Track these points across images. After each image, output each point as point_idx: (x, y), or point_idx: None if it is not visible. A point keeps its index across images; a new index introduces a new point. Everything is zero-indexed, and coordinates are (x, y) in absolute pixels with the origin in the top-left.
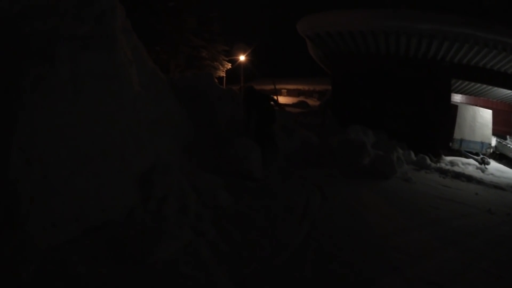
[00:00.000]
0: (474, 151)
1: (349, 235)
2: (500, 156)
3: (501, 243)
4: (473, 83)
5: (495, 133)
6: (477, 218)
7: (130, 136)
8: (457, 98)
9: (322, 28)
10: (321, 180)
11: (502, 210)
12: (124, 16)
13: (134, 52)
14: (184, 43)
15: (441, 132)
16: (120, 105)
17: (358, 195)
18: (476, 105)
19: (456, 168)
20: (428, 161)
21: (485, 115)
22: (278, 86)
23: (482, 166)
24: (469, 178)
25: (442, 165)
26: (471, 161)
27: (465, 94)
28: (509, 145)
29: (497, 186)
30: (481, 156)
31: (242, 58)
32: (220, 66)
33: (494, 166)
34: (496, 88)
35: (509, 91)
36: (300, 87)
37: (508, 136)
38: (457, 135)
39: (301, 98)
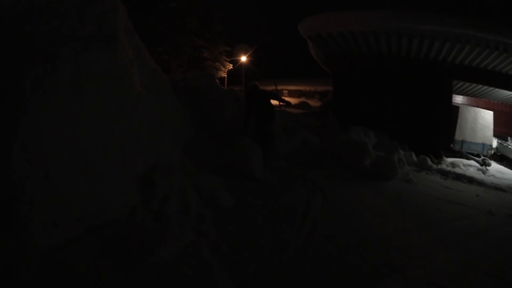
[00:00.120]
0: (475, 153)
1: (350, 235)
2: (501, 157)
3: (502, 245)
4: (474, 85)
5: (496, 134)
6: (478, 220)
7: (131, 136)
8: (458, 99)
9: (323, 29)
10: (322, 181)
11: (503, 211)
12: (126, 17)
13: (136, 52)
14: (186, 44)
15: (442, 133)
16: (121, 105)
17: (359, 196)
18: (478, 107)
19: (457, 170)
20: (429, 162)
21: (486, 116)
22: (279, 87)
23: (483, 167)
24: (470, 180)
25: (443, 166)
26: (472, 162)
27: (467, 95)
28: (510, 147)
29: (498, 188)
30: (482, 157)
31: (243, 58)
32: (222, 67)
33: (495, 167)
34: (497, 89)
35: (510, 93)
36: (301, 88)
37: (509, 138)
38: (458, 136)
39: (302, 99)
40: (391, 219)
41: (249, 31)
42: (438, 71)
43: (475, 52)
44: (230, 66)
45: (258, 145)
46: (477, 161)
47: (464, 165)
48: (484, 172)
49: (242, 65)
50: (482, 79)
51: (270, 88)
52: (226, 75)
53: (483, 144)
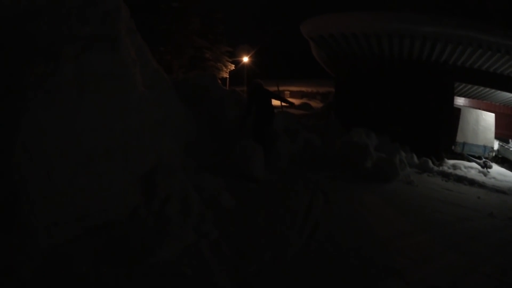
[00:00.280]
0: (476, 155)
1: (351, 237)
2: (502, 159)
3: (503, 247)
4: (476, 86)
5: (497, 136)
6: (479, 222)
7: (133, 136)
8: (460, 101)
9: (325, 30)
10: (323, 182)
11: (504, 214)
12: (129, 16)
13: (138, 52)
14: (188, 44)
15: (444, 135)
16: (123, 105)
17: (360, 197)
18: (479, 109)
19: (458, 172)
20: (431, 164)
21: (488, 118)
22: (281, 88)
23: (484, 169)
24: (471, 182)
25: (445, 168)
26: (474, 164)
27: (468, 97)
28: (511, 149)
29: (499, 190)
30: (484, 159)
31: (245, 59)
32: (224, 67)
33: (496, 169)
34: (499, 91)
35: None
36: (303, 89)
37: (510, 140)
38: (459, 138)
39: (304, 100)
40: (392, 221)
41: (251, 31)
42: (440, 73)
43: (477, 54)
44: (232, 67)
45: (259, 146)
46: (479, 163)
47: (466, 167)
48: (485, 174)
49: (244, 65)
50: (484, 81)
51: (272, 89)
52: (228, 76)
53: (485, 146)
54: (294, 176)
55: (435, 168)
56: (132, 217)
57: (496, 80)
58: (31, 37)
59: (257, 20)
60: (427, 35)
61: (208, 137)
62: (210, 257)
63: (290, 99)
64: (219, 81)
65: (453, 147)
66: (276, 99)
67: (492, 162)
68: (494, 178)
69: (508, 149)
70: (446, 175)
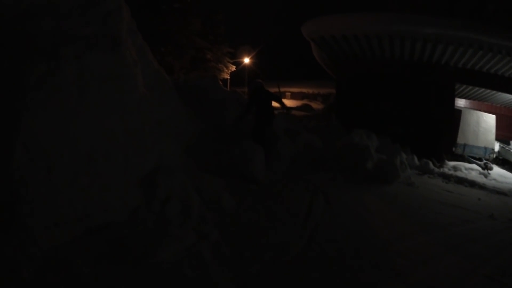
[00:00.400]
0: (477, 156)
1: (352, 239)
2: (503, 161)
3: (504, 249)
4: (477, 88)
5: (498, 138)
6: (480, 224)
7: (134, 136)
8: (460, 103)
9: (326, 31)
10: (324, 184)
11: (505, 215)
12: (130, 17)
13: (139, 53)
14: (189, 45)
15: (444, 137)
16: (124, 105)
17: (361, 199)
18: (480, 110)
19: (459, 173)
20: (431, 165)
21: (489, 120)
22: (282, 89)
23: (485, 171)
24: (472, 183)
25: (445, 170)
26: (474, 166)
27: (469, 99)
28: None
29: (499, 192)
30: (484, 161)
31: (246, 60)
32: (225, 68)
33: (497, 171)
34: (499, 93)
35: None
36: (304, 90)
37: (511, 142)
38: (460, 140)
39: (305, 101)
40: (393, 222)
41: (252, 33)
42: (440, 74)
43: (478, 56)
44: (233, 68)
45: (260, 147)
46: (479, 165)
47: (466, 168)
48: (486, 176)
49: (245, 66)
50: (485, 82)
51: (273, 90)
52: (229, 77)
53: (485, 148)
54: (294, 177)
55: (436, 169)
56: (133, 218)
57: (497, 81)
58: (32, 37)
59: (258, 21)
60: (428, 36)
61: (209, 138)
62: (210, 258)
63: (289, 101)
64: (220, 82)
65: (453, 148)
66: (275, 100)
67: (492, 163)
68: (494, 179)
69: (509, 150)
70: (446, 177)
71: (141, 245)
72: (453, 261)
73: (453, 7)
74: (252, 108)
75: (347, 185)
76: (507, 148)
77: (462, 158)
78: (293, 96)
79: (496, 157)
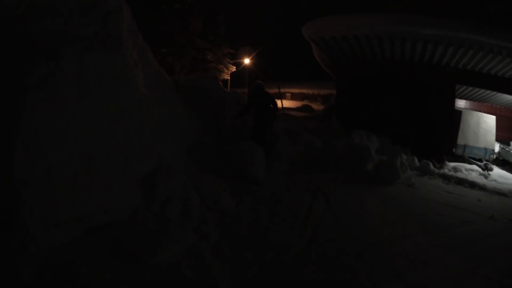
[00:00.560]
0: (477, 157)
1: (352, 240)
2: (503, 162)
3: (504, 250)
4: (477, 89)
5: (498, 139)
6: (480, 225)
7: (134, 137)
8: (461, 103)
9: (327, 32)
10: (325, 185)
11: (505, 216)
12: (130, 17)
13: (140, 53)
14: (189, 45)
15: (445, 137)
16: (125, 106)
17: (361, 200)
18: (480, 111)
19: (459, 174)
20: (432, 166)
21: (489, 121)
22: (282, 90)
23: (485, 172)
24: (472, 184)
25: (446, 171)
26: (474, 167)
27: (469, 99)
28: None
29: (500, 193)
30: (484, 162)
31: (247, 61)
32: (225, 69)
33: (497, 172)
34: (500, 94)
35: None
36: (304, 91)
37: (511, 142)
38: (460, 141)
39: (305, 102)
40: (393, 223)
41: (253, 33)
42: (441, 75)
43: (478, 57)
44: (234, 68)
45: (260, 148)
46: (479, 166)
47: (466, 169)
48: (486, 177)
49: (245, 67)
50: (485, 83)
51: (273, 91)
52: (229, 77)
53: (486, 149)
54: (295, 178)
55: (436, 170)
56: (133, 218)
57: (497, 82)
58: (32, 37)
59: (259, 22)
60: (429, 37)
61: (209, 138)
62: (211, 258)
63: (289, 102)
64: (220, 83)
65: (454, 149)
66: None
67: (493, 164)
68: (495, 180)
69: (509, 151)
70: (447, 178)
71: (141, 245)
72: (453, 261)
73: (454, 8)
74: (252, 108)
75: (347, 185)
76: (507, 149)
77: (462, 159)
78: (294, 97)
79: (496, 158)
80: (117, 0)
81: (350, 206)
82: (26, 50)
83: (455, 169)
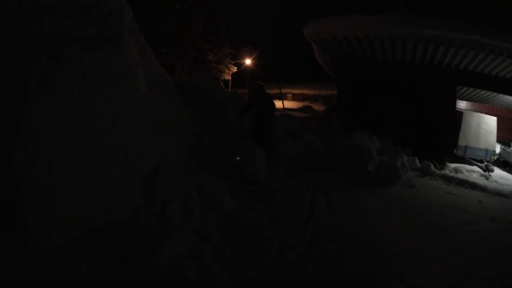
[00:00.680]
0: (478, 158)
1: (352, 240)
2: (504, 163)
3: (505, 251)
4: (478, 90)
5: (499, 140)
6: (481, 226)
7: (135, 137)
8: (462, 104)
9: (328, 33)
10: (325, 185)
11: (506, 217)
12: (132, 17)
13: (141, 53)
14: (190, 46)
15: (446, 138)
16: (126, 106)
17: (362, 201)
18: (481, 112)
19: (460, 175)
20: (433, 167)
21: (490, 122)
22: (283, 91)
23: (486, 173)
24: (473, 185)
25: (446, 172)
26: (475, 168)
27: (470, 100)
28: None
29: (500, 194)
30: (485, 163)
31: (248, 61)
32: (226, 69)
33: (498, 173)
34: (501, 95)
35: None
36: (305, 91)
37: None
38: (461, 142)
39: (306, 103)
40: (394, 224)
41: (254, 34)
42: (442, 76)
43: (479, 58)
44: (235, 69)
45: (261, 148)
46: (480, 167)
47: (467, 170)
48: (487, 178)
49: (246, 67)
50: (486, 84)
51: (274, 91)
52: (230, 78)
53: (486, 150)
54: (296, 179)
55: (437, 171)
56: (133, 218)
57: (498, 83)
58: (33, 37)
59: (260, 23)
60: (430, 38)
61: (210, 139)
62: (211, 259)
63: (290, 103)
64: (222, 83)
65: (455, 150)
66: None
67: (494, 165)
68: (495, 181)
69: (510, 152)
70: (447, 179)
71: (142, 246)
72: (453, 262)
73: (455, 9)
74: (252, 109)
75: (348, 186)
76: (508, 150)
77: (463, 160)
78: (295, 98)
79: (497, 159)
80: (118, 0)
81: (351, 206)
82: (27, 50)
83: (456, 170)
